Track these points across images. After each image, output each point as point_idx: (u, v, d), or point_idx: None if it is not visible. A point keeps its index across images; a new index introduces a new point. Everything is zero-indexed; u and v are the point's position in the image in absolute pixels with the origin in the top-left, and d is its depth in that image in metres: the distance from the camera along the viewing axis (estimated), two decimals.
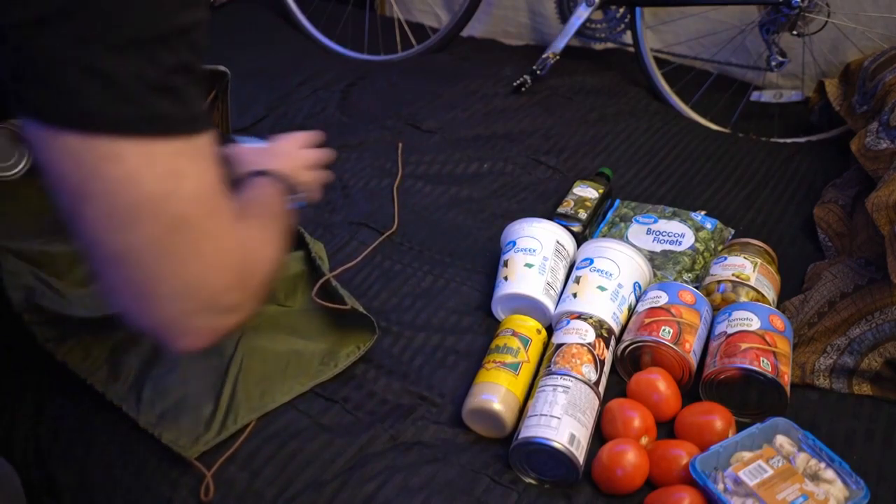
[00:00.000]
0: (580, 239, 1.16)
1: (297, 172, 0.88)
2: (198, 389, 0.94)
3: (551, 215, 1.22)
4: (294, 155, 0.93)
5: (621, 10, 1.72)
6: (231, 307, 0.58)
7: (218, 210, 0.56)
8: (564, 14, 1.75)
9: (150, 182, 0.52)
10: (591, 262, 1.05)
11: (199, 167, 0.55)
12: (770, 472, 0.79)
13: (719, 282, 1.05)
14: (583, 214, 1.21)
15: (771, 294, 1.05)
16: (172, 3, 0.51)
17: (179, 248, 0.54)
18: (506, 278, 1.06)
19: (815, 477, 0.80)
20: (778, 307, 1.06)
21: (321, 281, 1.07)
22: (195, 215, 0.54)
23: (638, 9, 1.63)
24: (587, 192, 1.25)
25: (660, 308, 0.98)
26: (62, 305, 0.93)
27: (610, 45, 1.83)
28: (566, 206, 1.23)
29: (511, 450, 0.85)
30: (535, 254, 1.07)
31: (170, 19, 0.51)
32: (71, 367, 0.94)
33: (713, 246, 1.16)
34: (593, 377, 0.90)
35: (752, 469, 0.80)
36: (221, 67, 1.13)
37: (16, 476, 0.81)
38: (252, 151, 0.92)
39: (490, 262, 1.18)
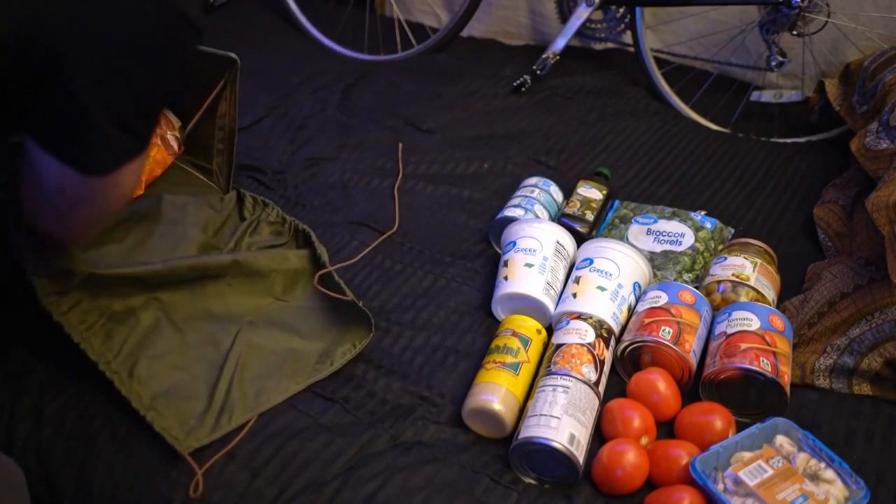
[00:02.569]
0: (586, 240, 1.15)
1: None
2: (191, 379, 0.93)
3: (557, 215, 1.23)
4: None
5: (621, 10, 1.72)
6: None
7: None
8: (564, 14, 1.75)
9: (129, 189, 0.85)
10: (591, 262, 1.05)
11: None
12: (770, 472, 0.79)
13: (719, 282, 1.05)
14: (589, 216, 1.22)
15: (771, 294, 1.05)
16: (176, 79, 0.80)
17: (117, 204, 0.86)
18: (506, 278, 1.06)
19: (815, 477, 0.80)
20: (778, 307, 1.06)
21: (323, 271, 1.07)
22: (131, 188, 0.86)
23: (638, 9, 1.63)
24: (591, 192, 1.25)
25: (660, 308, 0.98)
26: (69, 260, 0.94)
27: (610, 45, 1.83)
28: (573, 207, 1.23)
29: (511, 450, 0.85)
30: (535, 254, 1.07)
31: (173, 89, 0.82)
32: (67, 329, 0.93)
33: (713, 246, 1.16)
34: (593, 377, 0.90)
35: (752, 469, 0.80)
36: (232, 55, 1.13)
37: (20, 473, 0.81)
38: None
39: (490, 262, 1.18)
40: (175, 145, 1.22)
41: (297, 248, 1.15)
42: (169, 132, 1.21)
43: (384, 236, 1.22)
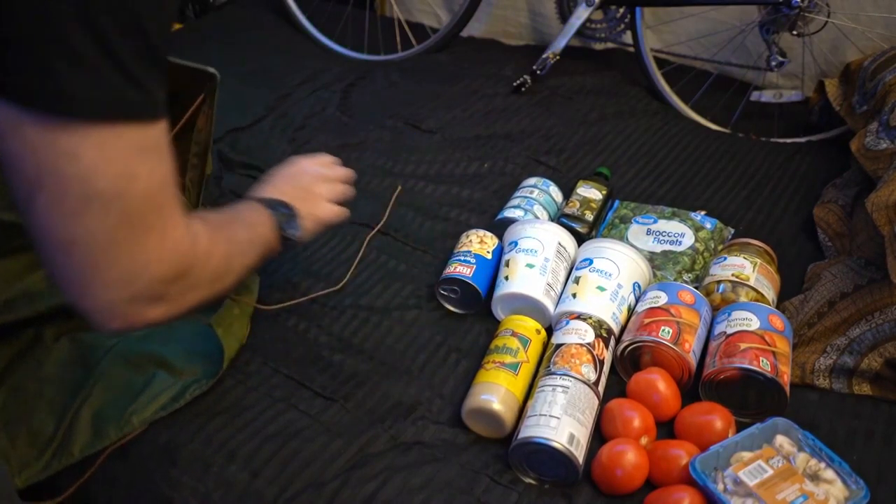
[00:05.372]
0: (585, 240, 1.15)
1: (311, 204, 0.93)
2: (51, 398, 0.89)
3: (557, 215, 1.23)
4: (313, 187, 0.96)
5: (621, 10, 1.71)
6: (161, 296, 0.61)
7: (166, 205, 0.60)
8: (564, 14, 1.75)
9: (104, 181, 0.54)
10: (591, 262, 1.05)
11: (152, 164, 0.57)
12: (770, 472, 0.79)
13: (719, 282, 1.05)
14: (589, 216, 1.22)
15: (770, 294, 1.05)
16: None
17: (125, 240, 0.57)
18: (506, 278, 1.06)
19: (815, 477, 0.80)
20: (778, 307, 1.06)
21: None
22: (143, 212, 0.57)
23: (638, 9, 1.63)
24: (591, 192, 1.25)
25: (659, 308, 0.98)
26: None
27: (610, 45, 1.83)
28: (572, 207, 1.23)
29: (511, 450, 0.85)
30: (536, 254, 1.07)
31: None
32: None
33: (713, 246, 1.16)
34: (592, 377, 0.90)
35: (752, 469, 0.80)
36: (211, 69, 1.08)
37: (5, 466, 0.81)
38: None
39: None
40: None
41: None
42: None
43: (374, 231, 1.22)
